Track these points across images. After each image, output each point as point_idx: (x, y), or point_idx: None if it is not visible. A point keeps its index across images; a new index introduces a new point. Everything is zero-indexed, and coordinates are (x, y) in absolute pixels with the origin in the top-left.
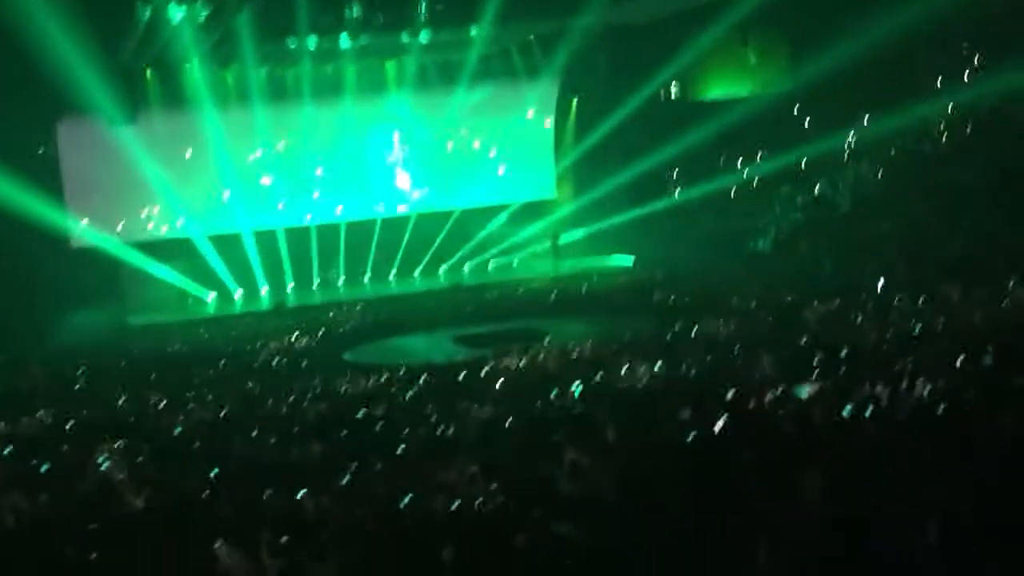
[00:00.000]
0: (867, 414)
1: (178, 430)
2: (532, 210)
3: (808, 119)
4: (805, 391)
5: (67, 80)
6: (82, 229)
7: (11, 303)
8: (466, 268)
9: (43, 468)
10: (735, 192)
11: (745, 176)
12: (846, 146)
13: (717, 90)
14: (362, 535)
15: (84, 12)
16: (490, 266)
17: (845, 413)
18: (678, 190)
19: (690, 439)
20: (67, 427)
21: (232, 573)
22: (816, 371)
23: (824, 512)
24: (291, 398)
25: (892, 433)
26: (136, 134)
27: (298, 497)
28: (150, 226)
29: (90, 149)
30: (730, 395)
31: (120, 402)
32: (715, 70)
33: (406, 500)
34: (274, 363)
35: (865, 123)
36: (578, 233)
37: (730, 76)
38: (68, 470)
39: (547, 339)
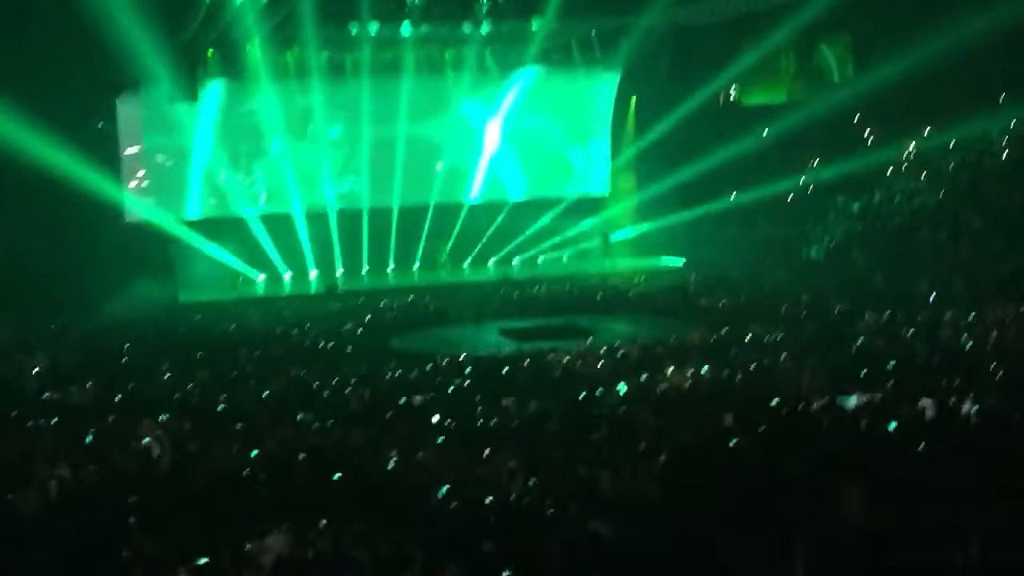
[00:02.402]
0: (912, 428)
1: (221, 408)
2: (585, 206)
3: (867, 127)
4: (851, 402)
5: (129, 56)
6: (137, 204)
7: (65, 275)
8: (516, 261)
9: (87, 439)
10: (790, 198)
11: (800, 183)
12: (904, 156)
13: (776, 94)
14: (398, 521)
15: None
16: (540, 260)
17: (890, 427)
18: (732, 194)
19: (732, 444)
20: (113, 400)
21: (270, 553)
22: (863, 383)
23: (862, 524)
24: (335, 383)
25: (937, 449)
26: (195, 112)
27: (335, 480)
28: (204, 203)
29: (148, 125)
30: (775, 402)
31: (166, 378)
32: (775, 74)
33: (443, 490)
34: (320, 347)
35: (925, 134)
36: (629, 232)
37: (790, 81)
38: (111, 442)
39: (593, 337)
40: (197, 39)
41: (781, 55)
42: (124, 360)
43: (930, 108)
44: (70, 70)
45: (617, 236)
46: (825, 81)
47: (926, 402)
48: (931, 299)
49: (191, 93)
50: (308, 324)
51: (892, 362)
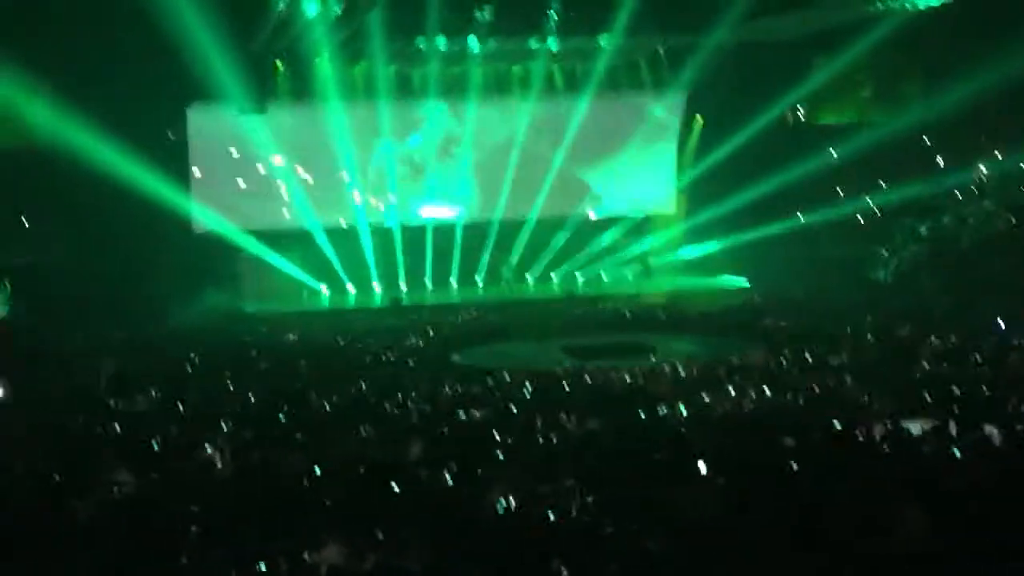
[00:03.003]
0: (977, 455)
1: (282, 419)
2: (651, 223)
3: (936, 150)
4: (915, 427)
5: (199, 67)
6: (204, 214)
7: (132, 284)
8: (579, 277)
9: (151, 447)
10: (858, 220)
11: (868, 204)
12: (975, 180)
13: (846, 114)
14: (456, 537)
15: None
16: (604, 277)
17: (956, 453)
18: (799, 214)
19: (792, 467)
20: (177, 409)
21: (328, 565)
22: (928, 408)
23: (923, 551)
24: (397, 396)
25: (1002, 477)
26: (263, 124)
27: (393, 493)
28: (270, 215)
29: (217, 136)
30: (837, 425)
31: (229, 387)
32: (843, 94)
33: (501, 506)
34: (382, 360)
35: (997, 157)
36: (694, 250)
37: (858, 102)
38: (174, 450)
39: (655, 356)
40: (267, 51)
41: (852, 74)
42: (189, 369)
43: (1002, 131)
44: (141, 81)
45: (663, 258)
46: (896, 102)
47: (991, 429)
48: (999, 324)
49: (260, 105)
50: (371, 337)
51: (958, 388)
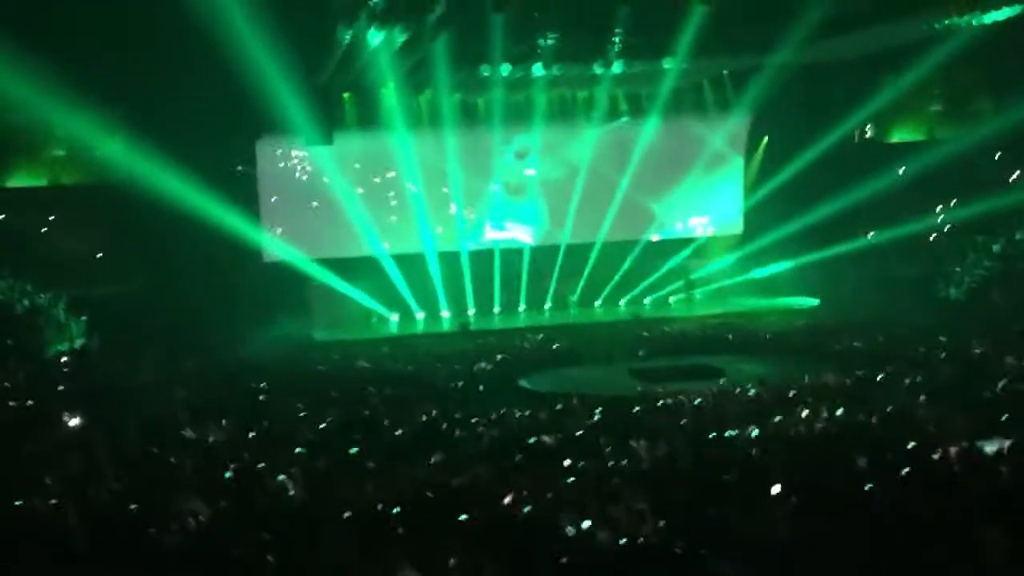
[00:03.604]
0: None
1: (354, 450)
2: (719, 244)
3: (1007, 165)
4: (991, 447)
5: (267, 100)
6: (274, 244)
7: (206, 314)
8: (647, 300)
9: (225, 475)
10: (929, 238)
11: (939, 221)
12: None
13: (915, 131)
14: (528, 562)
15: (287, 34)
16: (671, 299)
17: None
18: (869, 233)
19: (866, 488)
20: (249, 437)
21: None
22: (1004, 427)
23: (1006, 571)
24: (466, 422)
25: None
26: (330, 155)
27: (464, 519)
28: (339, 244)
29: (286, 168)
30: (911, 446)
31: (301, 415)
32: (911, 111)
33: (571, 531)
34: (452, 386)
35: None
36: (764, 271)
37: (926, 118)
38: (248, 479)
39: (725, 378)
40: (333, 83)
41: (920, 92)
42: (261, 398)
43: None
44: (212, 115)
45: (758, 272)
46: (965, 117)
47: None
48: None
49: (327, 136)
50: (440, 363)
51: None
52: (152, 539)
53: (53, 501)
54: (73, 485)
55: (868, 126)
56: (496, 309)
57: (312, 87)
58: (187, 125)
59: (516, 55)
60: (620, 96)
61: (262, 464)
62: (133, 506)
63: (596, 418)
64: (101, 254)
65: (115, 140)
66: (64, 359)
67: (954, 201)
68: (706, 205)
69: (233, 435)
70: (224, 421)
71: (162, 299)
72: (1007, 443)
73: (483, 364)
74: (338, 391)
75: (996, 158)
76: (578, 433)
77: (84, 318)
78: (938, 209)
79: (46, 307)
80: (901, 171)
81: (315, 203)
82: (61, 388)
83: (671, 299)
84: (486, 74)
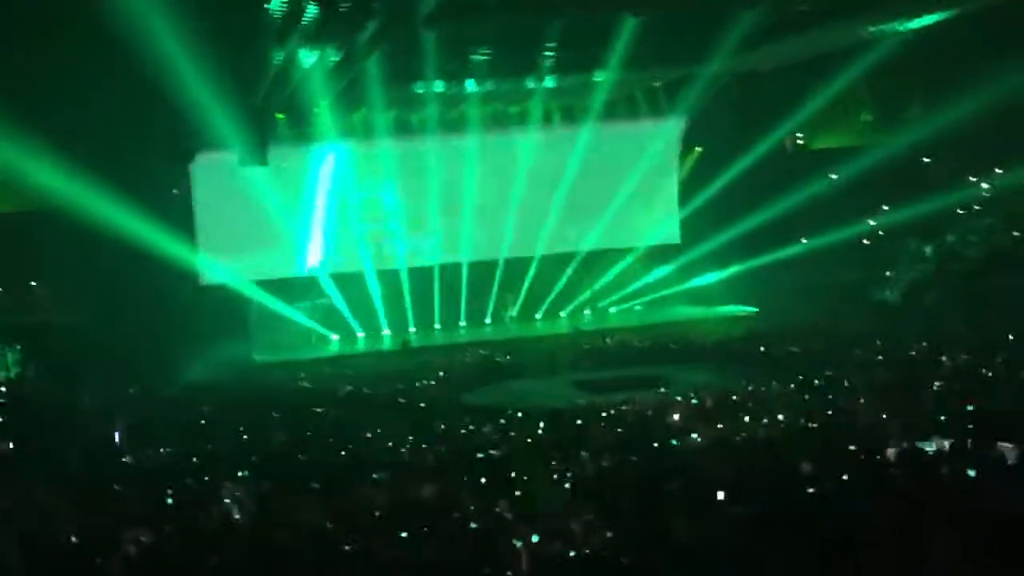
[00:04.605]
0: (994, 473)
1: (298, 468)
2: (656, 254)
3: (936, 169)
4: (930, 447)
5: (201, 122)
6: (211, 266)
7: (142, 338)
8: (587, 312)
9: (167, 501)
10: (863, 242)
11: (871, 226)
12: (978, 197)
13: (845, 138)
14: None
15: (219, 55)
16: (611, 311)
17: (971, 472)
18: (803, 239)
19: (810, 492)
20: (191, 461)
21: None
22: (942, 427)
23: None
24: (411, 439)
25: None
26: (265, 175)
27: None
28: (277, 265)
29: (221, 189)
30: (852, 449)
31: (243, 438)
32: (841, 119)
33: (520, 544)
34: (394, 404)
35: (999, 173)
36: (701, 280)
37: (858, 125)
38: (191, 504)
39: (667, 387)
40: (267, 103)
41: (850, 99)
42: (202, 421)
43: (1003, 147)
44: (145, 138)
45: (696, 282)
46: (894, 123)
47: (1006, 446)
48: (1009, 340)
49: (261, 157)
50: (382, 382)
51: (971, 406)
52: (98, 568)
53: None
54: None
55: (799, 134)
56: (436, 326)
57: (246, 107)
58: (120, 149)
59: (449, 71)
60: (554, 109)
61: (206, 488)
62: (76, 535)
63: (540, 431)
64: (35, 282)
65: (43, 167)
66: None
67: (886, 205)
68: (642, 216)
69: (176, 460)
70: (166, 446)
71: (99, 325)
72: (946, 443)
73: (426, 381)
74: (280, 412)
75: (925, 162)
76: (523, 446)
77: (19, 347)
78: (870, 214)
79: None
80: (833, 177)
81: (251, 223)
82: None
83: (611, 310)
84: (420, 91)
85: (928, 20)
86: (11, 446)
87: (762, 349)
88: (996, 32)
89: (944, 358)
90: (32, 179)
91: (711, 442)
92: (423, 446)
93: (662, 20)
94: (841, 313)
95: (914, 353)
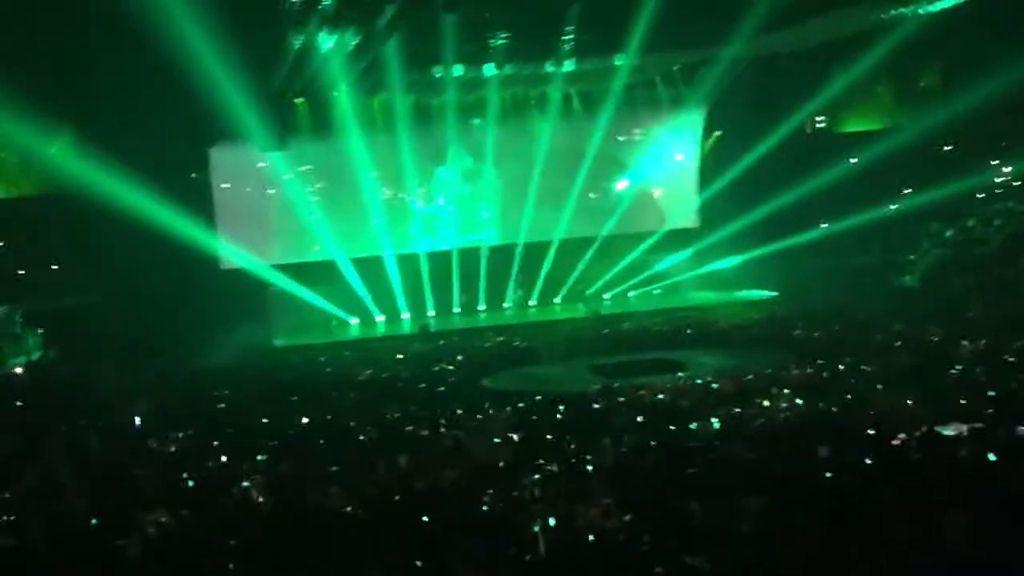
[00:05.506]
0: (1014, 457)
1: (318, 451)
2: (675, 238)
3: (958, 153)
4: (950, 431)
5: (220, 107)
6: (231, 251)
7: (162, 323)
8: (606, 296)
9: (187, 484)
10: (882, 227)
11: (892, 210)
12: (1000, 180)
13: (864, 122)
14: (497, 561)
15: (238, 40)
16: (630, 295)
17: (991, 456)
18: (823, 224)
19: (828, 476)
20: (211, 445)
21: None
22: (962, 412)
23: (965, 556)
24: (429, 423)
25: None
26: (285, 160)
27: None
28: (296, 249)
29: (240, 174)
30: (871, 433)
31: (263, 422)
32: (863, 101)
33: (537, 527)
34: (414, 388)
35: (1020, 157)
36: (720, 264)
37: (878, 108)
38: (211, 487)
39: (685, 371)
40: (285, 88)
41: (871, 81)
42: (222, 406)
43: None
44: (165, 123)
45: (713, 266)
46: (916, 106)
47: None
48: None
49: (281, 142)
50: (401, 365)
51: (991, 391)
52: (118, 550)
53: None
54: (35, 498)
55: (821, 117)
56: (456, 310)
57: (265, 93)
58: (141, 134)
59: (468, 55)
60: (573, 93)
61: (226, 471)
62: (96, 517)
63: (559, 415)
64: (57, 266)
65: (64, 150)
66: (21, 372)
67: (908, 189)
68: (662, 199)
69: (196, 443)
70: (187, 430)
71: (120, 309)
72: (965, 427)
73: (445, 365)
74: (301, 396)
75: (948, 145)
76: (541, 430)
77: (41, 331)
78: (891, 197)
79: (2, 320)
80: (853, 160)
81: (271, 208)
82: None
83: (630, 294)
84: (439, 75)
85: (949, 2)
86: (33, 429)
87: (781, 333)
88: (1016, 16)
89: (965, 342)
90: (53, 164)
91: (729, 426)
92: (440, 430)
93: (682, 3)
94: (861, 297)
95: (934, 338)
